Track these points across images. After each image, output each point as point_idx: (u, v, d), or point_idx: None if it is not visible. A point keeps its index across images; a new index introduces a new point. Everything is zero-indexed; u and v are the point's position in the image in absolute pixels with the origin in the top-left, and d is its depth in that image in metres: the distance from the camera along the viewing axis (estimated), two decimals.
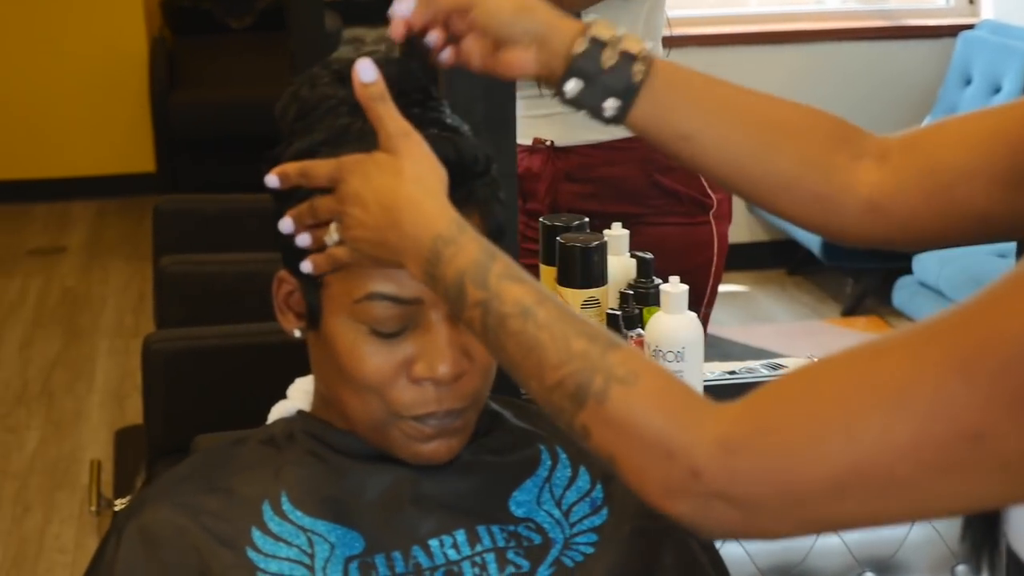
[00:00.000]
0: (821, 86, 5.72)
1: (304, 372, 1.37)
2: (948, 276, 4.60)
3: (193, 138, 6.71)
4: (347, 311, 1.24)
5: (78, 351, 5.10)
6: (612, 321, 1.77)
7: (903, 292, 4.85)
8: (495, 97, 1.80)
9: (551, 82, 1.27)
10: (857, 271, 5.30)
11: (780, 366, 2.07)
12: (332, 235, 1.19)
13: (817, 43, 5.78)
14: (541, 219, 1.91)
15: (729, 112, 1.25)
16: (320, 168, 1.19)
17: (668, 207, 2.56)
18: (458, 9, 1.26)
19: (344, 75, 1.26)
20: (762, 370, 2.05)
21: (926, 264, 4.71)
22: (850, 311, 5.28)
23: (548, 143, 2.51)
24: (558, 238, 1.81)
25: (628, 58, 1.23)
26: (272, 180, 1.23)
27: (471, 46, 1.27)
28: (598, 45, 1.24)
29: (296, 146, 1.25)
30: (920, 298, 4.75)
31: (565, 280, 1.78)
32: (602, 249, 1.78)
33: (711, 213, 2.62)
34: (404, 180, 1.13)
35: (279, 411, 1.38)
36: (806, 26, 5.87)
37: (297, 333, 1.31)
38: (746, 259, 5.71)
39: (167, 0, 7.00)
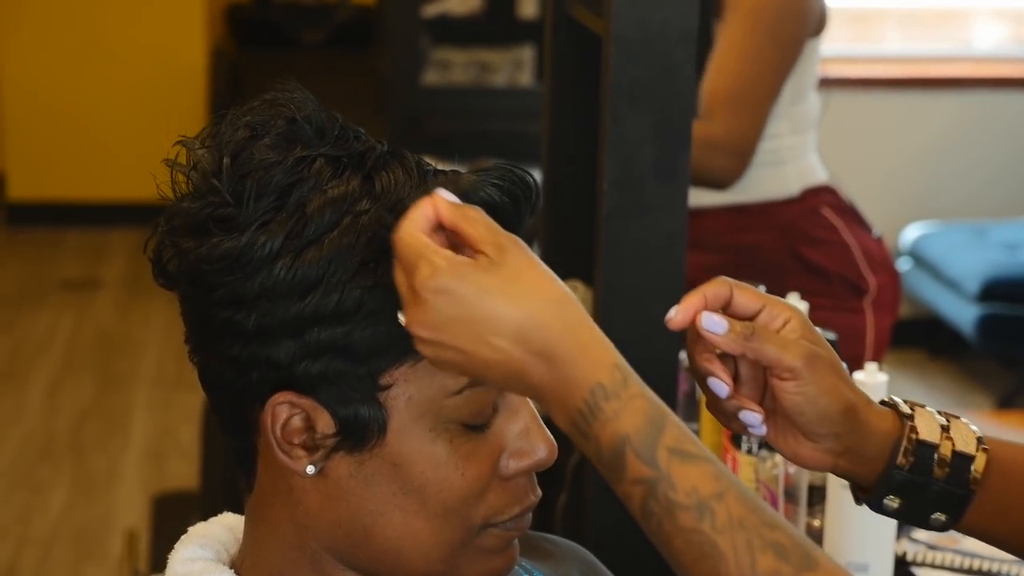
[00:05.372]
0: (977, 141, 5.64)
1: None
2: None
3: None
4: (433, 411, 1.11)
5: (113, 402, 5.10)
6: None
7: None
8: (667, 140, 1.75)
9: (851, 481, 1.18)
10: (1017, 358, 5.21)
11: None
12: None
13: (971, 91, 5.70)
14: None
15: None
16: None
17: (811, 286, 2.46)
18: (777, 376, 1.13)
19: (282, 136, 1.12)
20: None
21: None
22: (1006, 404, 5.18)
23: None
24: None
25: (962, 463, 1.16)
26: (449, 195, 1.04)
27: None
28: (926, 452, 1.15)
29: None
30: None
31: None
32: None
33: (867, 300, 2.54)
34: (549, 302, 1.01)
35: None
36: (960, 72, 5.79)
37: (311, 470, 1.12)
38: None
39: (232, 8, 7.04)
